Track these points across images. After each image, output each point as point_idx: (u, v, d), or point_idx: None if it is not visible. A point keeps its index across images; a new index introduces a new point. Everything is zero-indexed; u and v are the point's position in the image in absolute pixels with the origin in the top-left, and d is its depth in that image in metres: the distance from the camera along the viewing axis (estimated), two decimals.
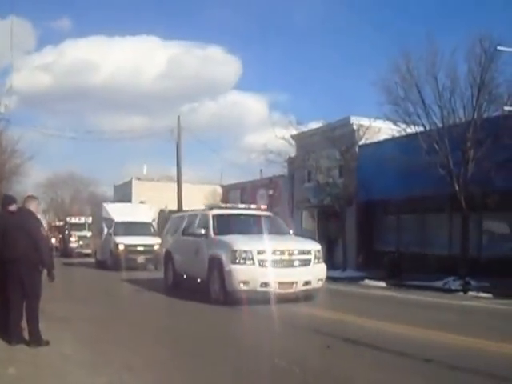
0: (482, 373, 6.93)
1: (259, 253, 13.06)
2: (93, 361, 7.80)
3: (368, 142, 26.76)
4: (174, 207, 35.73)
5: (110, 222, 28.90)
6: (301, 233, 32.22)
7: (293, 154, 31.64)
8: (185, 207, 34.47)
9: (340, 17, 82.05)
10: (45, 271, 8.61)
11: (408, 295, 16.85)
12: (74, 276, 23.90)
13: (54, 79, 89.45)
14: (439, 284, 19.19)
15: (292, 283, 13.24)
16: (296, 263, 13.37)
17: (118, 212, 29.35)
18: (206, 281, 14.23)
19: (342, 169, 28.26)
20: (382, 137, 25.84)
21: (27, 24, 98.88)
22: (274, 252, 13.17)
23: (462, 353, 8.09)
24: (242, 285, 12.97)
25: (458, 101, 20.10)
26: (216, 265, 13.71)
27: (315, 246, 14.16)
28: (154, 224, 30.83)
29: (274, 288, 12.95)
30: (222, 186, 45.34)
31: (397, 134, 23.17)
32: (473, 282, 18.57)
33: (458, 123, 20.21)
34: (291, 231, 16.18)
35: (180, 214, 19.43)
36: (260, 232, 14.73)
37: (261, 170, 38.02)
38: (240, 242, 13.41)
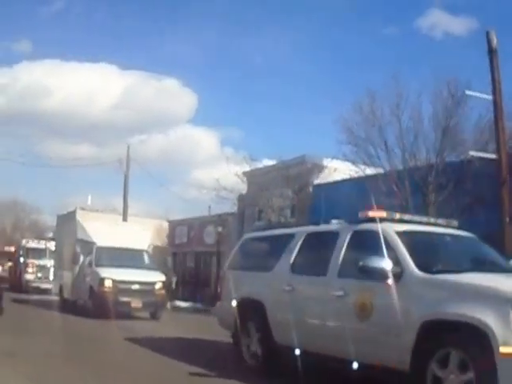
0: None
1: None
2: None
3: (323, 181, 26.36)
4: None
5: (88, 246, 20.71)
6: None
7: (244, 191, 31.06)
8: None
9: (299, 53, 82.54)
10: None
11: None
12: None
13: (5, 101, 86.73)
14: None
15: None
16: None
17: (101, 233, 20.90)
18: (411, 372, 6.61)
19: (294, 208, 27.77)
20: (338, 177, 25.44)
21: None
22: None
23: None
24: None
25: (420, 144, 20.00)
26: (461, 342, 6.15)
27: None
28: (150, 251, 22.74)
29: None
30: (169, 221, 44.23)
31: (355, 175, 22.82)
32: None
33: (419, 166, 19.99)
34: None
35: (271, 231, 10.62)
36: (484, 266, 7.91)
37: (209, 207, 37.27)
38: None
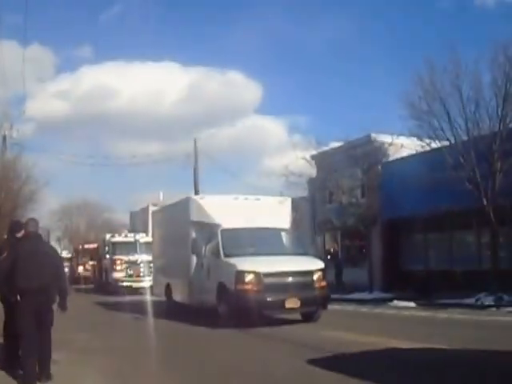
0: None
1: None
2: None
3: (391, 158, 26.37)
4: None
5: (208, 229, 15.77)
6: (324, 255, 31.93)
7: (313, 175, 31.26)
8: None
9: (360, 32, 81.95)
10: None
11: (440, 314, 16.24)
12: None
13: (71, 106, 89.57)
14: (471, 301, 18.57)
15: None
16: None
17: (224, 212, 15.67)
18: None
19: (364, 188, 27.83)
20: (405, 153, 25.41)
21: (49, 51, 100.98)
22: None
23: None
24: None
25: (483, 112, 19.81)
26: None
27: None
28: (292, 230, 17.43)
29: None
30: None
31: (420, 150, 22.79)
32: (506, 297, 17.97)
33: (483, 135, 19.82)
34: None
35: None
36: None
37: (281, 193, 37.51)
38: None
